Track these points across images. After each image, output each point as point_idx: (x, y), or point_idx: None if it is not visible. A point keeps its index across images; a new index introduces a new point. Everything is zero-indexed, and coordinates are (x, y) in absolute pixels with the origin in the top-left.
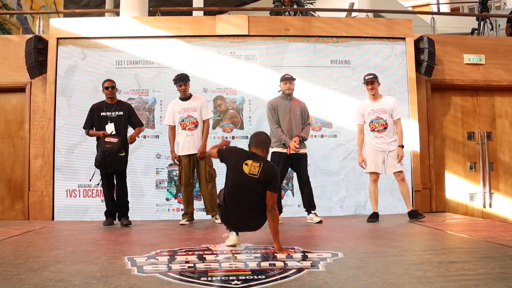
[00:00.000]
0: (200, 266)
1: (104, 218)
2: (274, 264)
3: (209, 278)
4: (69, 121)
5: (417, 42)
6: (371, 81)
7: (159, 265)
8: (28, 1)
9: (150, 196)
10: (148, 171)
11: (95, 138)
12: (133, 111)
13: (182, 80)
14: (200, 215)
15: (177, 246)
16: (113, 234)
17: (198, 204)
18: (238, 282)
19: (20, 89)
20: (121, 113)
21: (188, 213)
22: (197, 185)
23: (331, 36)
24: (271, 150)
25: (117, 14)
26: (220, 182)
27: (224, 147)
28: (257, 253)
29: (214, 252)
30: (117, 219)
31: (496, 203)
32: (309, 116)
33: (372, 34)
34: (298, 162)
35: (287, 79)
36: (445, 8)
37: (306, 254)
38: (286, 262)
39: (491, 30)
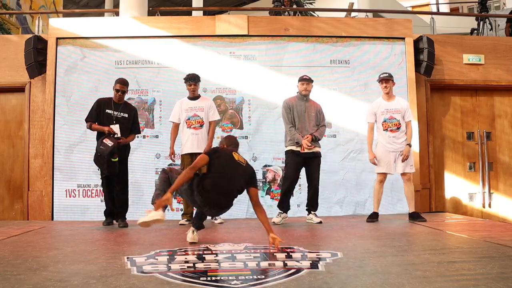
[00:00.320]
0: (200, 266)
1: (103, 218)
2: (274, 264)
3: (209, 278)
4: (69, 121)
5: (416, 42)
6: (386, 79)
7: (158, 265)
8: (28, 1)
9: (150, 196)
10: (148, 171)
11: (95, 136)
12: (137, 117)
13: (192, 79)
14: None
15: (176, 246)
16: (113, 234)
17: None
18: (238, 282)
19: (20, 89)
20: (126, 115)
21: (188, 213)
22: None
23: (331, 36)
24: (285, 148)
25: (117, 14)
26: None
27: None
28: (256, 253)
29: (213, 252)
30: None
31: (496, 203)
32: (325, 118)
33: (372, 34)
34: (310, 162)
35: (305, 80)
36: (444, 8)
37: (305, 254)
38: (285, 262)
39: (490, 30)
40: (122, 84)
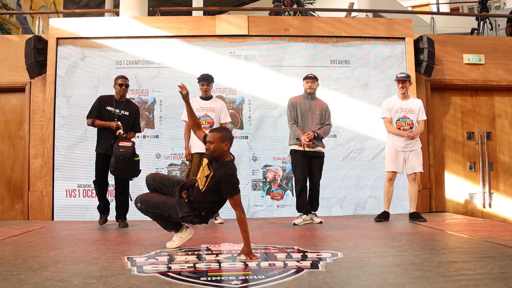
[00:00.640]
0: (200, 266)
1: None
2: (274, 264)
3: (209, 278)
4: (69, 121)
5: (416, 42)
6: (404, 80)
7: (158, 265)
8: (28, 1)
9: None
10: (148, 171)
11: (95, 136)
12: (138, 115)
13: (206, 80)
14: None
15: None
16: (113, 234)
17: None
18: (238, 282)
19: (20, 89)
20: (127, 113)
21: None
22: None
23: (331, 36)
24: (287, 147)
25: (117, 14)
26: None
27: None
28: (256, 253)
29: (214, 252)
30: (115, 219)
31: (496, 203)
32: (330, 117)
33: (372, 34)
34: (312, 162)
35: (309, 78)
36: (444, 8)
37: (306, 254)
38: (286, 262)
39: (490, 30)
40: (124, 78)
